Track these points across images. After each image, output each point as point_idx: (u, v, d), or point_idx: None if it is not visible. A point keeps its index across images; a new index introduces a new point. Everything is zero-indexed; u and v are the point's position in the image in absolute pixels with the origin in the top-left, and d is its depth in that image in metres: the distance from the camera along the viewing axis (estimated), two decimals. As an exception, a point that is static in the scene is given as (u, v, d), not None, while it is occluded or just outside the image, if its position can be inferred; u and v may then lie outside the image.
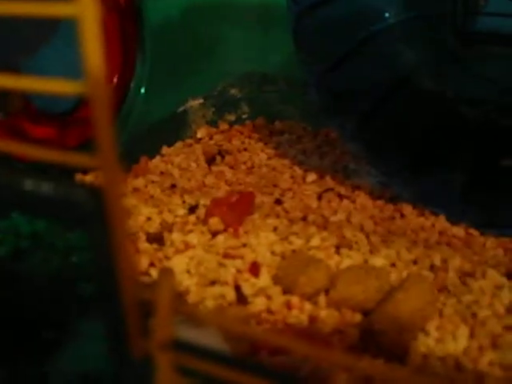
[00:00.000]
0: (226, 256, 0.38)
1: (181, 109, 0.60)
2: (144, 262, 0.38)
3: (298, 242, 0.40)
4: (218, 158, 0.54)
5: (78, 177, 0.45)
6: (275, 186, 0.49)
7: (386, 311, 0.32)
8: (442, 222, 0.43)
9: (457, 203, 0.43)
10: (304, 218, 0.44)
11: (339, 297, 0.34)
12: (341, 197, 0.47)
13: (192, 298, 0.35)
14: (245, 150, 0.55)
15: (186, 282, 0.36)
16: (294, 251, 0.39)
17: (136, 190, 0.48)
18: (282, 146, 0.56)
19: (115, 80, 0.54)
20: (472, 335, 0.32)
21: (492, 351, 0.31)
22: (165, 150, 0.55)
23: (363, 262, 0.38)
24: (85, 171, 0.47)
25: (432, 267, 0.38)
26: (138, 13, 0.54)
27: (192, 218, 0.43)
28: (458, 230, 0.42)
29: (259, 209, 0.44)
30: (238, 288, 0.36)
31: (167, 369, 0.18)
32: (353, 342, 0.32)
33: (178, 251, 0.39)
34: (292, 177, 0.50)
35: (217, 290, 0.35)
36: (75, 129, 0.50)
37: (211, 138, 0.58)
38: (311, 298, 0.35)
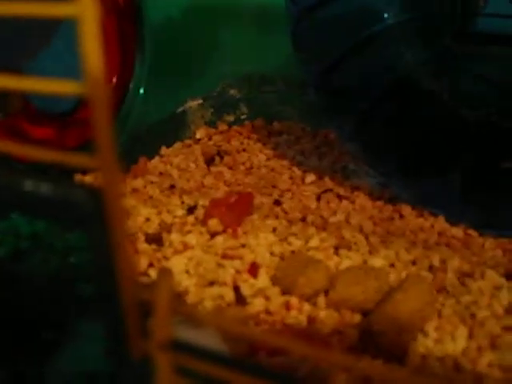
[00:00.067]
0: (225, 257, 0.38)
1: (180, 109, 0.60)
2: (143, 263, 0.38)
3: (297, 243, 0.40)
4: (217, 159, 0.54)
5: (78, 177, 0.45)
6: (274, 186, 0.49)
7: (385, 312, 0.32)
8: (441, 222, 0.43)
9: (456, 204, 0.43)
10: (303, 219, 0.44)
11: (338, 297, 0.34)
12: (340, 197, 0.47)
13: (191, 299, 0.35)
14: (244, 150, 0.56)
15: (185, 282, 0.36)
16: (293, 252, 0.39)
17: (135, 190, 0.48)
18: (281, 147, 0.56)
19: (114, 80, 0.54)
20: (471, 336, 0.32)
21: (491, 352, 0.31)
22: (164, 150, 0.55)
23: (362, 262, 0.38)
24: (84, 172, 0.47)
25: (431, 268, 0.38)
26: (138, 12, 0.54)
27: (191, 218, 0.43)
28: (457, 231, 0.42)
29: (258, 209, 0.44)
30: (236, 289, 0.36)
31: (166, 369, 0.18)
32: (352, 343, 0.32)
33: (176, 252, 0.39)
34: (291, 177, 0.50)
35: (216, 290, 0.35)
36: (75, 129, 0.50)
37: (210, 139, 0.58)
38: (310, 298, 0.35)
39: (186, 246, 0.39)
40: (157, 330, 0.18)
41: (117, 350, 0.18)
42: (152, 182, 0.49)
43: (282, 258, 0.38)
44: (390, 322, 0.31)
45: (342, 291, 0.34)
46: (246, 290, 0.35)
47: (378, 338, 0.31)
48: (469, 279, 0.37)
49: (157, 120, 0.59)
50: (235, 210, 0.42)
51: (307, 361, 0.28)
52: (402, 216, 0.44)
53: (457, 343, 0.32)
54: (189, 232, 0.41)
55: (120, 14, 0.53)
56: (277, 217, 0.44)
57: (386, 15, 0.40)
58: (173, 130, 0.59)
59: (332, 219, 0.43)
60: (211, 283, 0.36)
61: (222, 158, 0.54)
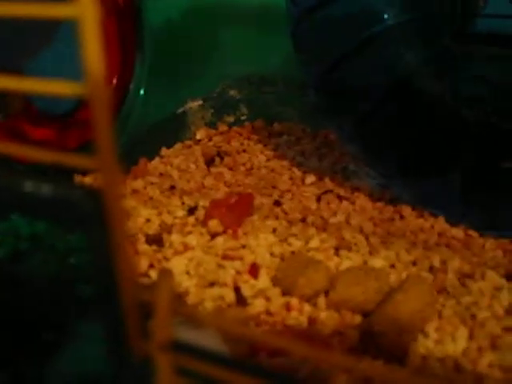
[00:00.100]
0: (225, 257, 0.38)
1: (180, 110, 0.60)
2: (143, 264, 0.38)
3: (297, 244, 0.40)
4: (217, 160, 0.54)
5: (78, 178, 0.45)
6: (274, 187, 0.49)
7: (386, 313, 0.32)
8: (441, 223, 0.43)
9: (456, 204, 0.43)
10: (303, 220, 0.44)
11: (339, 298, 0.34)
12: (340, 198, 0.47)
13: (191, 300, 0.35)
14: (244, 151, 0.56)
15: (186, 283, 0.36)
16: (293, 253, 0.39)
17: (135, 191, 0.48)
18: (281, 148, 0.56)
19: (114, 81, 0.54)
20: (471, 336, 0.32)
21: (491, 352, 0.31)
22: (164, 151, 0.55)
23: (362, 263, 0.38)
24: (84, 173, 0.47)
25: (431, 268, 0.38)
26: (138, 13, 0.54)
27: (191, 219, 0.43)
28: (458, 232, 0.42)
29: (258, 210, 0.44)
30: (237, 289, 0.36)
31: (167, 370, 0.18)
32: (352, 344, 0.32)
33: (177, 252, 0.39)
34: (291, 178, 0.50)
35: (216, 291, 0.35)
36: (75, 130, 0.50)
37: (210, 140, 0.58)
38: (310, 299, 0.35)
39: (187, 247, 0.39)
40: (157, 330, 0.18)
41: (117, 350, 0.18)
42: (152, 183, 0.49)
43: (282, 258, 0.38)
44: (390, 322, 0.31)
45: (343, 292, 0.34)
46: (246, 291, 0.35)
47: (379, 339, 0.31)
48: (469, 280, 0.37)
49: (157, 121, 0.59)
50: (235, 211, 0.42)
51: (308, 362, 0.28)
52: (402, 217, 0.44)
53: (457, 344, 0.32)
54: (189, 233, 0.41)
55: (120, 15, 0.53)
56: (277, 217, 0.44)
57: (385, 16, 0.40)
58: (173, 130, 0.59)
59: (332, 220, 0.43)
60: (212, 284, 0.36)
61: (222, 158, 0.54)
